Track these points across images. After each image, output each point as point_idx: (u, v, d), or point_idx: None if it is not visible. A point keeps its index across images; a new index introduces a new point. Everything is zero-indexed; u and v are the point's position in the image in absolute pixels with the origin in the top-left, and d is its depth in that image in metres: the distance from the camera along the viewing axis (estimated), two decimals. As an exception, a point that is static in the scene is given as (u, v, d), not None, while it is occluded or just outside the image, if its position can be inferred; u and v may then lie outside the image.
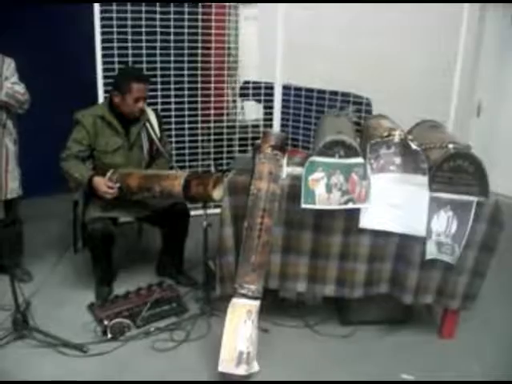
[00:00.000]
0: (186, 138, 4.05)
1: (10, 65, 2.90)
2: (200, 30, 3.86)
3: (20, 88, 2.89)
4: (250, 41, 4.83)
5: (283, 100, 4.14)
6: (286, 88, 4.13)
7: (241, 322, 2.36)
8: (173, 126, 3.96)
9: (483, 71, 4.74)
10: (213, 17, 3.92)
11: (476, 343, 2.75)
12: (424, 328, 2.85)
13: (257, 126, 4.32)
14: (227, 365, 2.32)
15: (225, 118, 4.25)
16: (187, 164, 4.08)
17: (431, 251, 2.50)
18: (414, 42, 3.70)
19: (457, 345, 2.73)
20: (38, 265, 3.39)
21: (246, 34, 4.71)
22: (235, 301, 2.40)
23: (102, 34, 3.55)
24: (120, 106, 2.91)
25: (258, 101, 4.30)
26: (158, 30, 3.70)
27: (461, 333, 2.79)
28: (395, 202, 2.48)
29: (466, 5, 3.53)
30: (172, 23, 3.72)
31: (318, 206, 2.45)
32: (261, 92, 4.17)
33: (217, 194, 2.69)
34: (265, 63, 4.44)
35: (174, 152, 3.99)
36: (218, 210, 2.68)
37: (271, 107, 4.17)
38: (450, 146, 2.44)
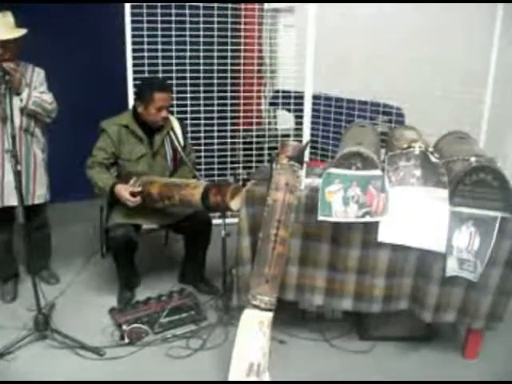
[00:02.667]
0: (216, 147, 4.08)
1: (39, 75, 2.99)
2: (229, 40, 3.87)
3: (48, 97, 2.97)
4: (288, 49, 4.82)
5: (313, 110, 4.11)
6: (316, 97, 4.09)
7: (252, 333, 2.34)
8: (202, 135, 3.99)
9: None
10: (242, 26, 3.94)
11: (500, 365, 2.62)
12: (447, 347, 2.74)
13: (287, 136, 4.31)
14: (237, 375, 2.31)
15: (254, 127, 4.26)
16: (216, 172, 4.11)
17: (452, 268, 2.41)
18: (448, 50, 3.59)
19: (480, 366, 2.61)
20: (65, 268, 3.49)
21: (284, 43, 4.71)
22: (247, 312, 2.38)
23: (133, 43, 3.63)
24: (143, 115, 2.96)
25: (288, 110, 4.29)
26: (188, 39, 3.75)
27: (486, 353, 2.67)
28: (415, 216, 2.41)
29: (500, 6, 3.38)
30: (202, 33, 3.76)
31: (334, 219, 2.41)
32: (291, 101, 4.15)
33: (234, 204, 2.70)
34: (300, 72, 4.41)
35: (202, 161, 4.02)
36: (237, 220, 2.68)
37: (301, 117, 4.15)
38: (473, 159, 2.35)
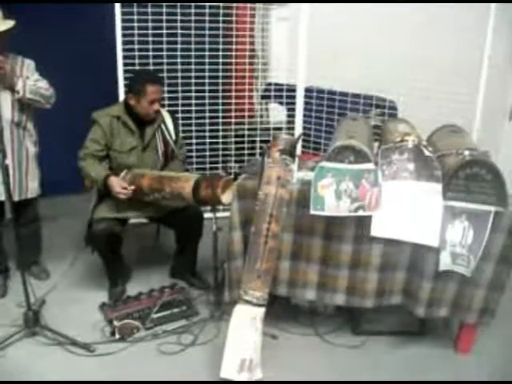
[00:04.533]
0: (207, 140, 4.04)
1: (29, 66, 2.94)
2: (221, 32, 3.83)
3: (43, 83, 2.93)
4: (280, 42, 4.78)
5: (305, 103, 4.08)
6: (308, 90, 4.06)
7: (244, 329, 2.31)
8: (193, 128, 3.96)
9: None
10: (234, 18, 3.90)
11: (493, 360, 2.62)
12: (439, 342, 2.73)
13: (279, 129, 4.28)
14: (229, 371, 2.28)
15: (246, 120, 4.22)
16: (207, 166, 4.08)
17: (445, 262, 2.40)
18: (441, 43, 3.57)
19: (473, 361, 2.61)
20: (56, 263, 3.45)
21: (277, 36, 4.67)
22: (239, 307, 2.35)
23: (123, 35, 3.58)
24: (136, 108, 2.92)
25: (281, 103, 4.25)
26: (179, 31, 3.70)
27: (478, 349, 2.66)
28: (408, 210, 2.39)
29: (493, 4, 3.38)
30: (193, 24, 3.72)
31: (327, 213, 2.39)
32: (283, 94, 4.12)
33: (226, 197, 2.68)
34: (292, 65, 4.38)
35: (194, 154, 3.99)
36: (228, 214, 2.65)
37: (293, 110, 4.12)
38: (466, 152, 2.33)
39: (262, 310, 2.36)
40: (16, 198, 2.93)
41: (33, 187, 3.09)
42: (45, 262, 3.41)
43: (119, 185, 2.83)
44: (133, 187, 2.84)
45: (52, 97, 3.00)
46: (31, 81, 2.89)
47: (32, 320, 2.63)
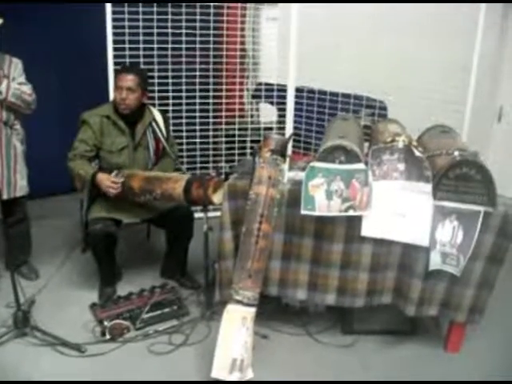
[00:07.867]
0: (197, 140, 4.04)
1: (17, 65, 2.92)
2: (212, 32, 3.83)
3: (27, 88, 2.91)
4: (271, 42, 4.79)
5: (296, 103, 4.08)
6: (298, 90, 4.07)
7: (235, 329, 2.32)
8: (184, 128, 3.94)
9: (507, 73, 4.56)
10: (224, 18, 3.90)
11: (483, 359, 2.64)
12: (429, 341, 2.75)
13: (270, 129, 4.28)
14: (220, 371, 2.28)
15: (236, 120, 4.22)
16: (198, 166, 4.07)
17: (435, 262, 2.41)
18: (430, 44, 3.59)
19: (462, 360, 2.63)
20: (45, 263, 3.42)
21: (267, 36, 4.68)
22: (230, 307, 2.36)
23: (114, 34, 3.55)
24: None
25: (271, 103, 4.26)
26: (170, 31, 3.69)
27: (467, 348, 2.68)
28: (398, 210, 2.40)
29: (483, 5, 3.41)
30: (184, 24, 3.71)
31: (317, 213, 2.40)
32: (273, 94, 4.12)
33: (217, 197, 2.68)
34: (283, 65, 4.39)
35: (184, 154, 3.99)
36: (219, 213, 2.65)
37: (284, 109, 4.12)
38: (456, 152, 2.35)
39: (253, 309, 2.37)
40: (5, 197, 2.91)
41: (22, 185, 3.07)
42: (34, 262, 3.38)
43: (108, 179, 2.83)
44: (122, 179, 2.84)
45: (33, 103, 2.99)
46: (16, 84, 2.87)
47: (22, 320, 2.61)
